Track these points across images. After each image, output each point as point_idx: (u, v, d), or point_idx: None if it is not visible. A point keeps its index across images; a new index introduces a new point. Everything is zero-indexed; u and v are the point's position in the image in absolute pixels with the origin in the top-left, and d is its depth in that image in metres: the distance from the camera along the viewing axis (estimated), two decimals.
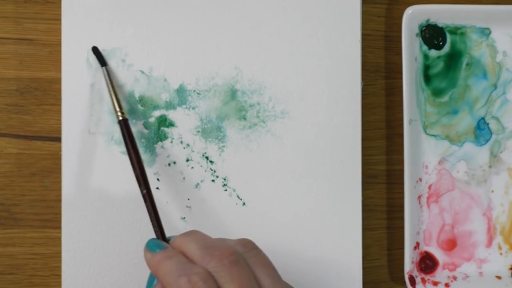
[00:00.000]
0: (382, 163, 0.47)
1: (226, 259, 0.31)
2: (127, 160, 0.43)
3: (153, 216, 0.37)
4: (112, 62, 0.43)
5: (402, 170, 0.46)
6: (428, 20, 0.46)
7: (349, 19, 0.44)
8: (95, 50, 0.42)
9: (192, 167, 0.43)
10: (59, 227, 0.43)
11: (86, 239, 0.42)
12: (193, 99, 0.44)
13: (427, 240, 0.47)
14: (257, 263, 0.32)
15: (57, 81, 0.44)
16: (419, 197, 0.47)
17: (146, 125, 0.43)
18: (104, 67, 0.42)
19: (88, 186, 0.42)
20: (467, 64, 0.47)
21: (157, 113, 0.43)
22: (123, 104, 0.42)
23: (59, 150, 0.43)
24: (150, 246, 0.34)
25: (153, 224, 0.37)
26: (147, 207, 0.38)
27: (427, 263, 0.47)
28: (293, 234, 0.44)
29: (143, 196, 0.38)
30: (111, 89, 0.41)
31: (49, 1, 0.45)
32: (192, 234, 0.34)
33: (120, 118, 0.40)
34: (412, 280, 0.45)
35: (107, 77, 0.42)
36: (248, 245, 0.33)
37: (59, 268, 0.43)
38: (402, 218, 0.46)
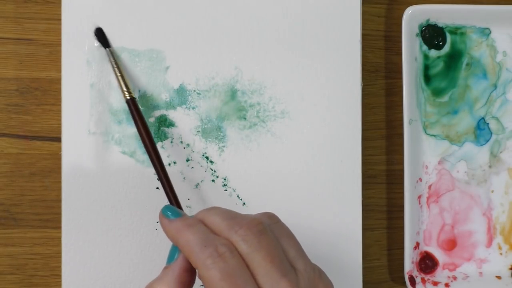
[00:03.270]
0: (382, 163, 0.47)
1: (255, 228, 0.31)
2: (127, 160, 0.43)
3: (166, 184, 0.37)
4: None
5: (402, 170, 0.46)
6: (428, 20, 0.46)
7: (349, 19, 0.44)
8: (99, 31, 0.42)
9: (192, 167, 0.43)
10: (59, 227, 0.43)
11: (86, 239, 0.42)
12: (193, 99, 0.44)
13: (427, 240, 0.47)
14: (283, 235, 0.32)
15: (57, 81, 0.44)
16: (419, 197, 0.47)
17: None
18: (107, 49, 0.42)
19: (88, 186, 0.42)
20: (467, 64, 0.47)
21: (157, 113, 0.43)
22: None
23: (59, 150, 0.43)
24: (166, 213, 0.33)
25: (166, 192, 0.37)
26: (159, 175, 0.38)
27: (427, 263, 0.47)
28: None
29: (155, 167, 0.38)
30: (116, 69, 0.41)
31: (49, 1, 0.45)
32: (215, 208, 0.33)
33: (128, 97, 0.41)
34: (412, 280, 0.45)
35: (111, 57, 0.42)
36: (273, 217, 0.33)
37: (59, 268, 0.43)
38: (402, 218, 0.46)
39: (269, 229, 0.32)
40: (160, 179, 0.38)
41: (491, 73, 0.47)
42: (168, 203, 0.37)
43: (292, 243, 0.32)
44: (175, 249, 0.33)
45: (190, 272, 0.32)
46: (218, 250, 0.30)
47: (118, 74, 0.41)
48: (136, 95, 0.43)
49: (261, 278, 0.29)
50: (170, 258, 0.33)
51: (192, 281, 0.33)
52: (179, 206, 0.37)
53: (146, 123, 0.40)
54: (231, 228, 0.31)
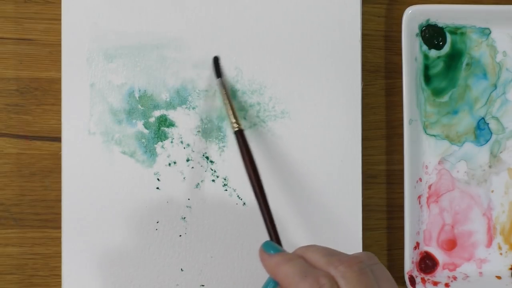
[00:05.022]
0: (382, 163, 0.47)
1: (356, 266, 0.31)
2: (127, 160, 0.43)
3: (268, 220, 0.37)
4: (112, 62, 0.43)
5: (402, 170, 0.46)
6: (428, 20, 0.46)
7: (349, 19, 0.44)
8: (216, 60, 0.43)
9: (193, 167, 0.43)
10: (59, 227, 0.43)
11: (86, 239, 0.42)
12: (193, 99, 0.44)
13: (427, 240, 0.47)
14: (382, 277, 0.32)
15: (57, 81, 0.44)
16: (419, 197, 0.47)
17: (146, 125, 0.43)
18: (219, 79, 0.42)
19: (88, 186, 0.42)
20: (467, 64, 0.47)
21: (157, 113, 0.43)
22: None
23: (59, 150, 0.43)
24: (267, 248, 0.34)
25: (268, 229, 0.37)
26: (262, 212, 0.37)
27: (427, 263, 0.47)
28: (293, 234, 0.44)
29: (259, 202, 0.38)
30: (226, 100, 0.41)
31: (49, 1, 0.45)
32: (314, 245, 0.34)
33: (236, 129, 0.40)
34: (412, 280, 0.45)
35: (222, 88, 0.42)
36: (373, 258, 0.33)
37: (59, 268, 0.43)
38: (402, 218, 0.46)
39: (370, 269, 0.31)
40: (262, 213, 0.37)
41: (491, 73, 0.47)
42: (268, 239, 0.37)
43: (390, 287, 0.32)
44: (270, 283, 0.33)
45: None
46: (320, 281, 0.30)
47: (228, 106, 0.41)
48: (136, 95, 0.43)
49: None
50: None
51: None
52: (279, 242, 0.37)
53: (253, 156, 0.39)
54: (331, 263, 0.31)
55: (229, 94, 0.42)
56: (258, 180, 0.38)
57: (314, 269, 0.31)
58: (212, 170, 0.43)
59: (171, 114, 0.43)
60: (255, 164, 0.39)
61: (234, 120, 0.40)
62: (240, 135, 0.40)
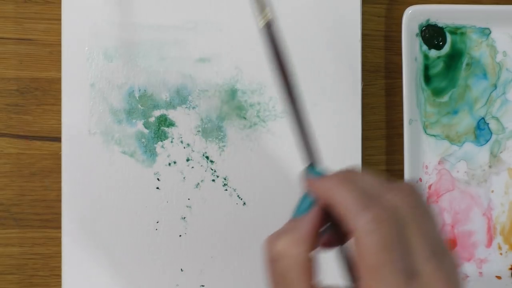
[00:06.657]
0: (382, 163, 0.47)
1: (414, 195, 0.27)
2: (127, 160, 0.43)
3: (304, 136, 0.32)
4: (111, 62, 0.43)
5: (402, 170, 0.46)
6: (428, 20, 0.46)
7: (349, 19, 0.44)
8: None
9: (193, 167, 0.43)
10: (59, 227, 0.43)
11: (86, 239, 0.42)
12: (193, 99, 0.44)
13: None
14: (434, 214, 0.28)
15: (57, 81, 0.44)
16: None
17: (146, 125, 0.43)
18: None
19: (88, 186, 0.42)
20: (467, 64, 0.47)
21: (157, 113, 0.43)
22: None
23: (59, 150, 0.43)
24: (314, 172, 0.30)
25: (306, 147, 0.31)
26: (295, 127, 0.32)
27: None
28: None
29: (292, 114, 0.32)
30: None
31: (49, 1, 0.45)
32: (363, 172, 0.29)
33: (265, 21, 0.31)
34: None
35: None
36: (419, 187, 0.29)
37: (59, 268, 0.43)
38: None
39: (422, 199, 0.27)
40: (296, 125, 0.32)
41: (491, 73, 0.47)
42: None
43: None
44: (307, 201, 0.29)
45: (318, 230, 0.28)
46: (381, 215, 0.25)
47: None
48: (136, 94, 0.43)
49: (416, 252, 0.25)
50: (301, 210, 0.29)
51: (319, 242, 0.28)
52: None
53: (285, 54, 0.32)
54: (390, 190, 0.27)
55: None
56: (292, 85, 0.32)
57: (376, 198, 0.26)
58: (212, 170, 0.43)
59: (171, 114, 0.43)
60: (288, 65, 0.32)
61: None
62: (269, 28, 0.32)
